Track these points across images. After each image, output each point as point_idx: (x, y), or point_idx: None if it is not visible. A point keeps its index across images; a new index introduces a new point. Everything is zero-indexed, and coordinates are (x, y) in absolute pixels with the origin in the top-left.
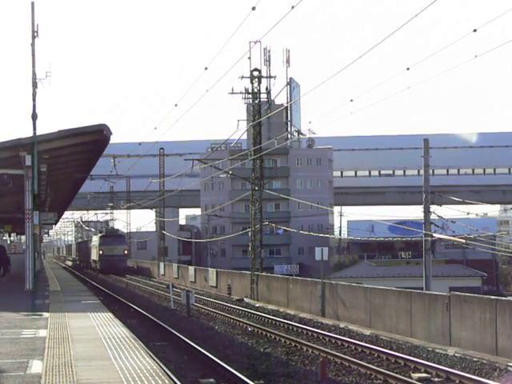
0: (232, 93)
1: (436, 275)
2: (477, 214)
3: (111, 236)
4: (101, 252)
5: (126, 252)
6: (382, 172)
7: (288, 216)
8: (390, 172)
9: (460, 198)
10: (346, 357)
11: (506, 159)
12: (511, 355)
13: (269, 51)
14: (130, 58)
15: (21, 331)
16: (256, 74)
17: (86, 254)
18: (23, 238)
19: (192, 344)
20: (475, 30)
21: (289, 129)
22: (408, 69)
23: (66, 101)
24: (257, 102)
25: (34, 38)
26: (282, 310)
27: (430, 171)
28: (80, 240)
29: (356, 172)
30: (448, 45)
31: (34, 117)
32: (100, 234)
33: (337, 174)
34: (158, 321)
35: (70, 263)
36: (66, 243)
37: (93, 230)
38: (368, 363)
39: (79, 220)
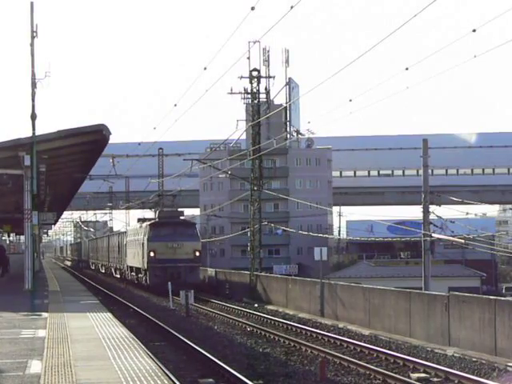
0: (231, 93)
1: (435, 275)
2: (476, 214)
3: (171, 224)
4: (151, 254)
5: (198, 254)
6: (381, 172)
7: (287, 216)
8: (389, 172)
9: (459, 198)
10: (345, 357)
11: (505, 159)
12: (510, 355)
13: (268, 51)
14: (130, 58)
15: (20, 331)
16: (255, 74)
17: (107, 256)
18: (22, 238)
19: (191, 344)
20: (474, 30)
21: (288, 129)
22: (407, 69)
23: (65, 101)
24: (256, 102)
25: (33, 38)
26: (281, 310)
27: (429, 171)
28: (95, 236)
29: (355, 172)
30: (447, 45)
31: (33, 117)
32: (148, 222)
33: (336, 174)
34: (157, 321)
35: (68, 263)
36: (71, 242)
37: (92, 230)
38: (367, 363)
39: (78, 220)
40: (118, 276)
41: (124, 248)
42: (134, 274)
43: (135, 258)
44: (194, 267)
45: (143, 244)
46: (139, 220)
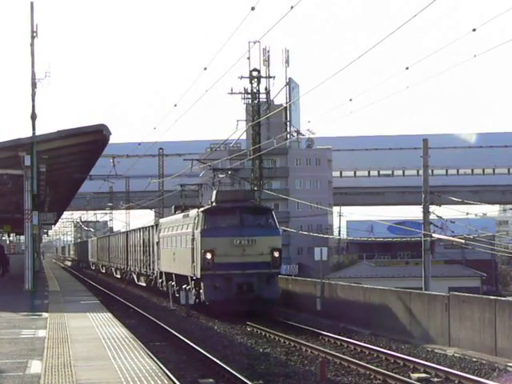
0: (231, 93)
1: (435, 275)
2: (476, 215)
3: (237, 211)
4: (208, 255)
5: (277, 254)
6: (382, 172)
7: (287, 216)
8: (390, 172)
9: (459, 198)
10: (345, 357)
11: (505, 159)
12: (510, 355)
13: (268, 51)
14: (130, 58)
15: (20, 331)
16: (255, 74)
17: (125, 258)
18: (22, 238)
19: (191, 344)
20: (474, 30)
21: (288, 129)
22: (407, 68)
23: (65, 101)
24: (256, 102)
25: (33, 38)
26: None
27: (430, 171)
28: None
29: (355, 172)
30: (447, 44)
31: (34, 117)
32: (201, 208)
33: (336, 174)
34: (157, 321)
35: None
36: (75, 241)
37: (92, 230)
38: (367, 363)
39: (78, 220)
40: (143, 284)
41: (154, 247)
42: (173, 283)
43: (176, 261)
44: (272, 275)
45: (193, 241)
46: (177, 208)
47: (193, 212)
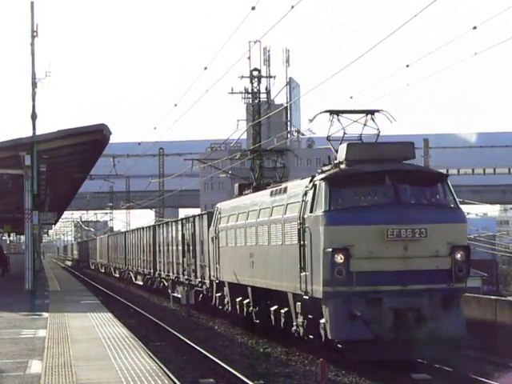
0: (232, 93)
1: None
2: (476, 214)
3: (385, 175)
4: (338, 258)
5: (462, 257)
6: None
7: None
8: None
9: (460, 198)
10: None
11: (506, 159)
12: (511, 355)
13: (268, 51)
14: (130, 58)
15: (20, 331)
16: (256, 73)
17: (152, 260)
18: (23, 237)
19: (191, 344)
20: (475, 28)
21: (288, 129)
22: (408, 66)
23: (65, 101)
24: (256, 101)
25: (33, 37)
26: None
27: None
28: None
29: None
30: (447, 42)
31: (34, 117)
32: (322, 175)
33: None
34: (157, 321)
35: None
36: (78, 240)
37: (92, 229)
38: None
39: (79, 220)
40: (188, 302)
41: (205, 246)
42: (247, 301)
43: (257, 267)
44: (454, 294)
45: (303, 233)
46: (244, 187)
47: (296, 184)
